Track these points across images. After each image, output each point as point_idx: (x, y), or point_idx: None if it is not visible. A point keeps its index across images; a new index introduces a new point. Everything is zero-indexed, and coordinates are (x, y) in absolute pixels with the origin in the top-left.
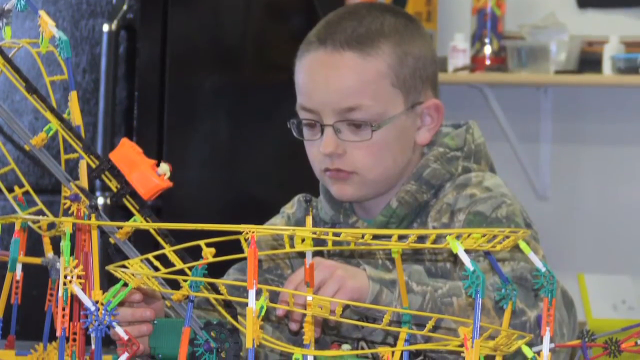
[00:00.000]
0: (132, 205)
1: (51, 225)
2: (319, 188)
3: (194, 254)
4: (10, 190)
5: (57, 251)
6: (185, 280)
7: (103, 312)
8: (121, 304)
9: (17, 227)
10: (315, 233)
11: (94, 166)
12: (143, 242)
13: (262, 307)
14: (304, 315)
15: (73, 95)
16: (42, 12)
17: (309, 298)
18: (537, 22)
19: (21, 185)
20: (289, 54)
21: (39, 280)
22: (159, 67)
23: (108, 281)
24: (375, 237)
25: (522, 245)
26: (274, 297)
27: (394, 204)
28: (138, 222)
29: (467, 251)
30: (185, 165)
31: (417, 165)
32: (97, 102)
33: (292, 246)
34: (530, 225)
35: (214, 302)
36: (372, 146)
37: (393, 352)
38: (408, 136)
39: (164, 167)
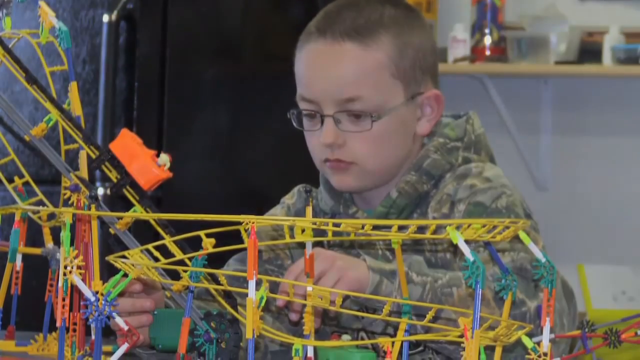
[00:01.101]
0: (132, 195)
1: (51, 216)
2: (319, 178)
3: (194, 244)
4: (10, 181)
5: (57, 242)
6: (185, 271)
7: (103, 302)
8: (121, 294)
9: (17, 218)
10: (315, 223)
11: (94, 157)
12: (143, 232)
13: (262, 298)
14: (304, 305)
15: (73, 86)
16: (42, 3)
17: (309, 288)
18: (537, 13)
19: (21, 176)
20: (289, 45)
21: (39, 270)
22: (159, 57)
23: (108, 272)
24: (375, 227)
25: (522, 235)
26: (274, 287)
27: (394, 195)
28: (138, 212)
29: (467, 242)
30: (185, 156)
31: (417, 156)
32: (97, 92)
33: (292, 237)
34: (530, 215)
35: (214, 292)
36: (372, 137)
37: (393, 343)
38: (408, 127)
39: (164, 158)
